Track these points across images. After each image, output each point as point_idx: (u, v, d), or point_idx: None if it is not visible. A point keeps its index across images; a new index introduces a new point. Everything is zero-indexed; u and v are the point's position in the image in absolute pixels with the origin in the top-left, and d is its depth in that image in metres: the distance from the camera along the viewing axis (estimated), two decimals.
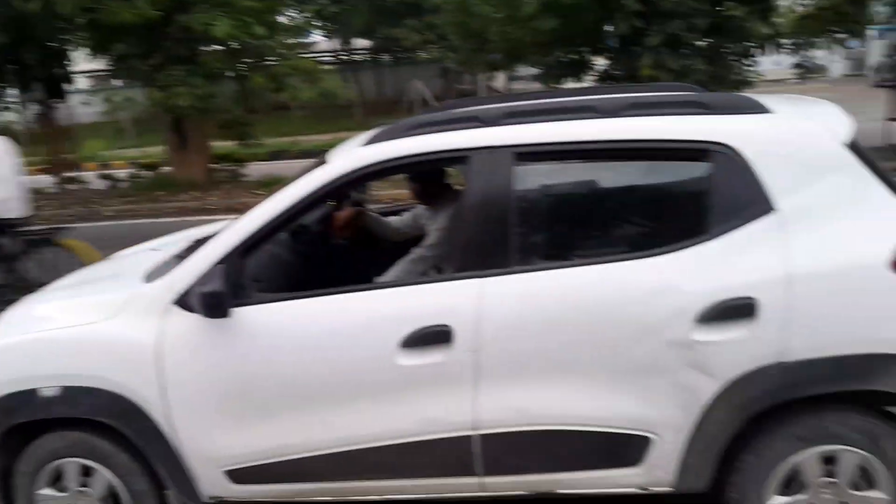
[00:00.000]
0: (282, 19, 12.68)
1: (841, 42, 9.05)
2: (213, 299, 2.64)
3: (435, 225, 3.61)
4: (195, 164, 12.80)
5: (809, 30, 8.86)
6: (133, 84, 13.98)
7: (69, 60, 13.31)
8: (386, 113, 21.21)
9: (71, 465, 2.96)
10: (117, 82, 16.35)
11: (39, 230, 6.30)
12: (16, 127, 13.37)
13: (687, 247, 2.57)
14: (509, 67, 14.10)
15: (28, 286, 4.92)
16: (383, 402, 2.70)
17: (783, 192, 2.54)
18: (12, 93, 13.41)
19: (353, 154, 2.90)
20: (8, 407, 2.90)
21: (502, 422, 2.66)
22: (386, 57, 29.59)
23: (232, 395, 2.78)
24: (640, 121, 2.70)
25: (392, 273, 3.39)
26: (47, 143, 13.36)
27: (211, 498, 2.93)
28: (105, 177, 13.85)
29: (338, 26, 25.62)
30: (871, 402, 2.63)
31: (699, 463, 2.63)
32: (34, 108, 13.31)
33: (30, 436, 2.98)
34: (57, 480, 3.00)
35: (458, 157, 2.82)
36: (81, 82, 19.86)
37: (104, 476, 2.95)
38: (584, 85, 10.40)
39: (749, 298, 2.47)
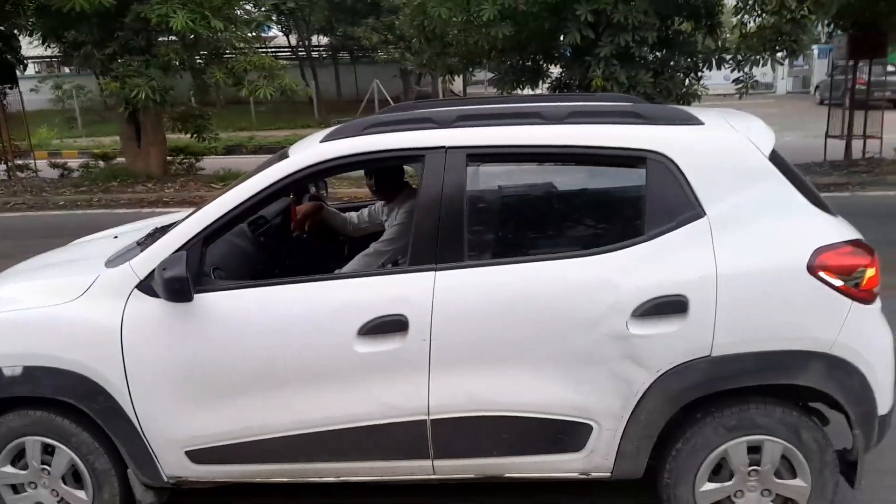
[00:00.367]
0: (238, 13, 12.55)
1: (780, 61, 9.32)
2: (177, 284, 2.71)
3: (391, 221, 3.71)
4: (151, 156, 12.62)
5: (751, 47, 9.11)
6: (85, 72, 13.67)
7: (20, 45, 12.97)
8: (344, 111, 21.20)
9: (33, 443, 3.00)
10: (66, 69, 15.90)
11: None
12: None
13: (624, 247, 2.74)
14: (467, 71, 14.16)
15: None
16: (341, 387, 2.80)
17: (711, 198, 2.72)
18: None
19: (312, 149, 2.98)
20: None
21: (453, 407, 2.78)
22: (345, 55, 29.46)
23: (193, 377, 2.85)
24: (581, 128, 2.86)
25: (350, 266, 3.48)
26: None
27: (171, 478, 2.99)
28: (56, 165, 13.56)
29: (296, 22, 25.37)
30: (794, 397, 2.82)
31: (635, 450, 2.79)
32: None
33: None
34: (18, 458, 3.04)
35: (412, 156, 2.96)
36: (30, 68, 19.26)
37: (66, 454, 2.99)
38: (537, 93, 10.55)
39: (680, 296, 2.64)
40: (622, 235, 2.82)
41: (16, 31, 12.62)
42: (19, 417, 2.99)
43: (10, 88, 13.03)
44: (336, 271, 3.31)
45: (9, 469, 3.05)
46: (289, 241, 4.07)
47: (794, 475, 2.81)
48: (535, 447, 2.85)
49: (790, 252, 2.69)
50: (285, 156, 3.09)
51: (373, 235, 3.79)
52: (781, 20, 8.88)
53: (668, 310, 2.66)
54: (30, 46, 13.42)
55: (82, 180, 12.76)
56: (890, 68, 17.37)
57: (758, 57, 9.05)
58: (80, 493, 3.04)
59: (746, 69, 9.17)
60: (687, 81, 9.28)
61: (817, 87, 24.81)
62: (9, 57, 12.59)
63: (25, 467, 3.04)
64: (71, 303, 2.91)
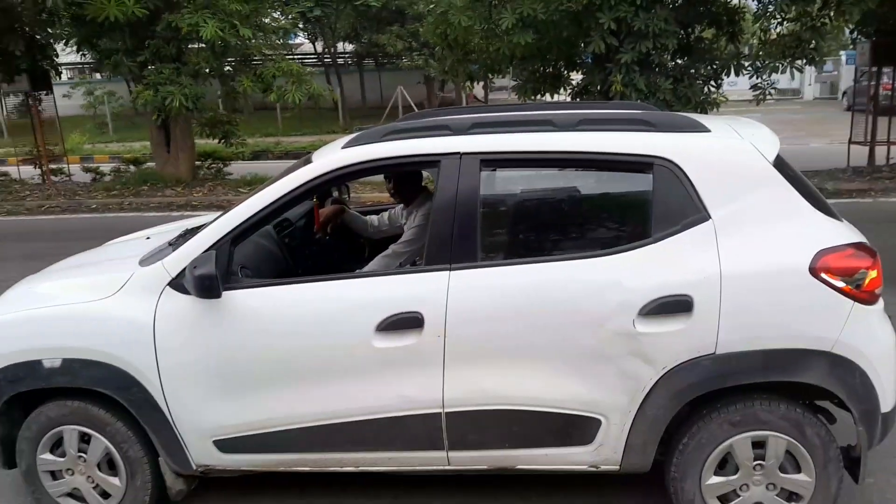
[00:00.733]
0: (266, 21, 12.75)
1: (799, 68, 9.26)
2: (207, 281, 2.85)
3: (409, 223, 3.83)
4: (180, 161, 12.87)
5: (770, 54, 9.06)
6: (115, 79, 13.89)
7: (56, 52, 13.27)
8: (369, 117, 21.37)
9: (70, 431, 3.15)
10: (98, 76, 16.20)
11: None
12: None
13: (631, 248, 2.83)
14: (488, 79, 14.20)
15: None
16: (360, 381, 2.91)
17: (717, 202, 2.80)
18: None
19: (334, 155, 3.11)
20: (12, 376, 3.08)
21: (466, 401, 2.88)
22: (370, 62, 29.67)
23: (221, 369, 2.98)
24: (591, 135, 2.97)
25: (370, 266, 3.59)
26: (32, 135, 13.30)
27: (199, 466, 3.13)
28: (88, 170, 13.87)
29: (322, 29, 25.62)
30: (800, 395, 2.88)
31: (642, 444, 2.87)
32: (18, 99, 13.15)
33: (31, 405, 3.17)
34: (57, 446, 3.20)
35: (429, 162, 3.08)
36: (64, 75, 19.65)
37: (101, 443, 3.14)
38: (557, 100, 10.56)
39: (686, 296, 2.73)
40: (630, 238, 2.92)
41: (51, 41, 12.94)
42: (58, 407, 3.14)
43: (45, 95, 13.33)
44: (356, 271, 3.42)
45: (48, 456, 3.20)
46: (312, 242, 4.18)
47: (798, 470, 2.86)
48: (545, 440, 2.93)
49: (792, 254, 2.75)
50: (309, 161, 3.22)
51: (392, 237, 3.90)
52: (802, 28, 8.84)
53: (673, 309, 2.74)
54: (63, 53, 13.70)
55: (114, 184, 13.04)
56: None
57: (777, 64, 9.00)
58: (115, 480, 3.19)
59: (765, 76, 9.12)
60: (706, 89, 9.23)
61: (844, 92, 24.55)
62: (44, 64, 12.90)
63: (63, 455, 3.19)
64: (107, 299, 3.06)
